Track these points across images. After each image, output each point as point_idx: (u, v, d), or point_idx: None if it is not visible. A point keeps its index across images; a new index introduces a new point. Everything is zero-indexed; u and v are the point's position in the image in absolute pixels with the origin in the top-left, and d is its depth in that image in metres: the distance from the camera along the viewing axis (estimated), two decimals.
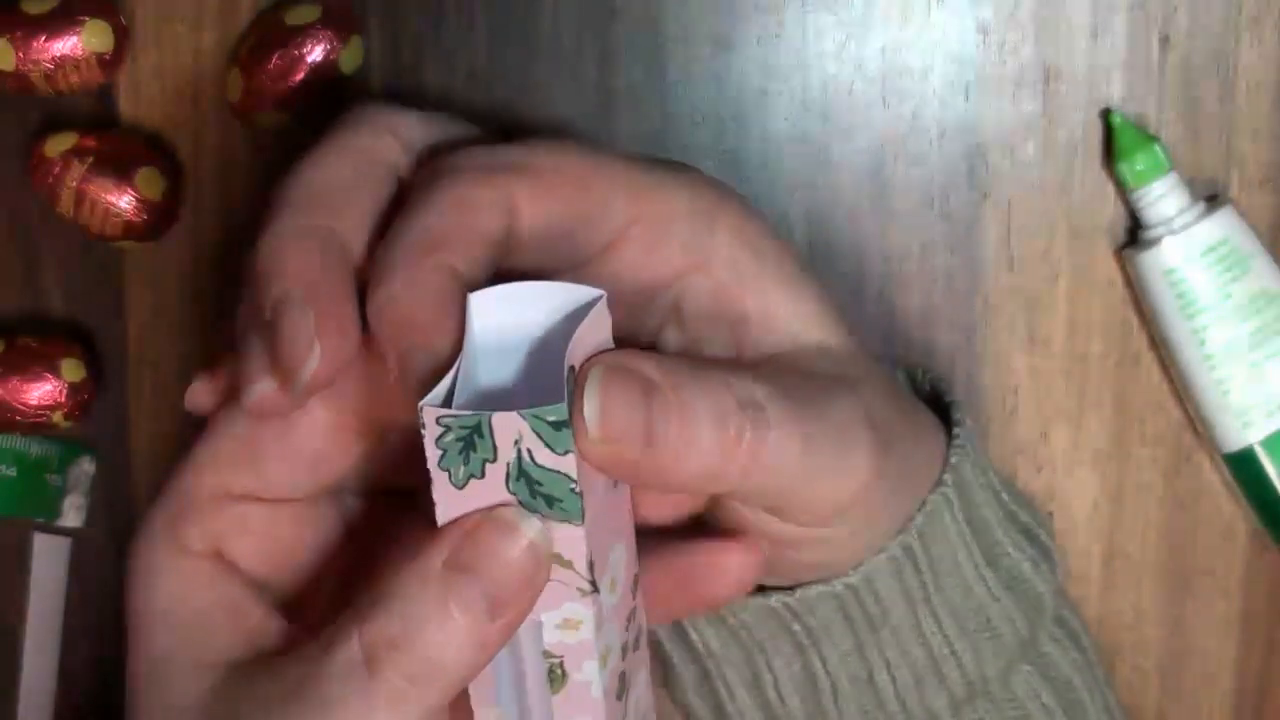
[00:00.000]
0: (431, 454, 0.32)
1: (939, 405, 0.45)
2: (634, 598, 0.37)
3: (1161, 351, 0.50)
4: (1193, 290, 0.48)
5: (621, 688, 0.36)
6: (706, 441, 0.35)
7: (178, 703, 0.37)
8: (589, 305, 0.34)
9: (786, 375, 0.39)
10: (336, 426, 0.38)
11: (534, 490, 0.33)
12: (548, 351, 0.34)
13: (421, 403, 0.32)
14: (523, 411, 0.32)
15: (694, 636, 0.43)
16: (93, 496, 0.52)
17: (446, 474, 0.33)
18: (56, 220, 0.50)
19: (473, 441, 0.32)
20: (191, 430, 0.41)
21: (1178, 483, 0.51)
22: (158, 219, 0.49)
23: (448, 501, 0.33)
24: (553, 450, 0.32)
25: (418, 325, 0.34)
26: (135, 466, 0.52)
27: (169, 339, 0.51)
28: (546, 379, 0.34)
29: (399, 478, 0.40)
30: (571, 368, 0.33)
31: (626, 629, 0.37)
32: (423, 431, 0.32)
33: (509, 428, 0.32)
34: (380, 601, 0.34)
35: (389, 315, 0.34)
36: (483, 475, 0.33)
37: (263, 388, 0.35)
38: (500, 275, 0.36)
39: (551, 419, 0.32)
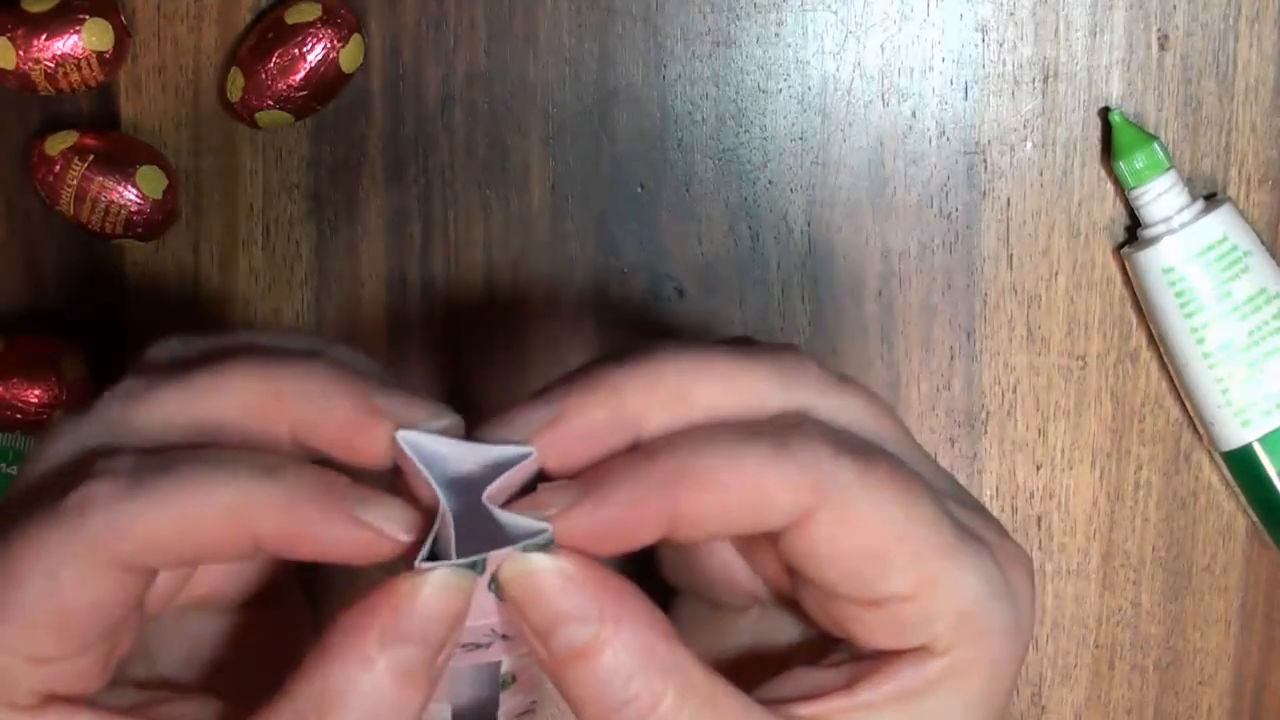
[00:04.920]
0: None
1: None
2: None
3: (1160, 350, 0.50)
4: (1191, 288, 0.49)
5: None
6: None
7: None
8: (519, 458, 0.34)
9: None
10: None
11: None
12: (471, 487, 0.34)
13: (418, 563, 0.32)
14: (517, 546, 0.32)
15: None
16: None
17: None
18: (57, 219, 0.50)
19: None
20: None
21: (1176, 481, 0.52)
22: (158, 218, 0.49)
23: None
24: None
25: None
26: None
27: None
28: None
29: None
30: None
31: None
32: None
33: (497, 559, 0.33)
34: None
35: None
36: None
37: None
38: None
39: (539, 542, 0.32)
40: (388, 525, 0.32)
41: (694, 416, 0.34)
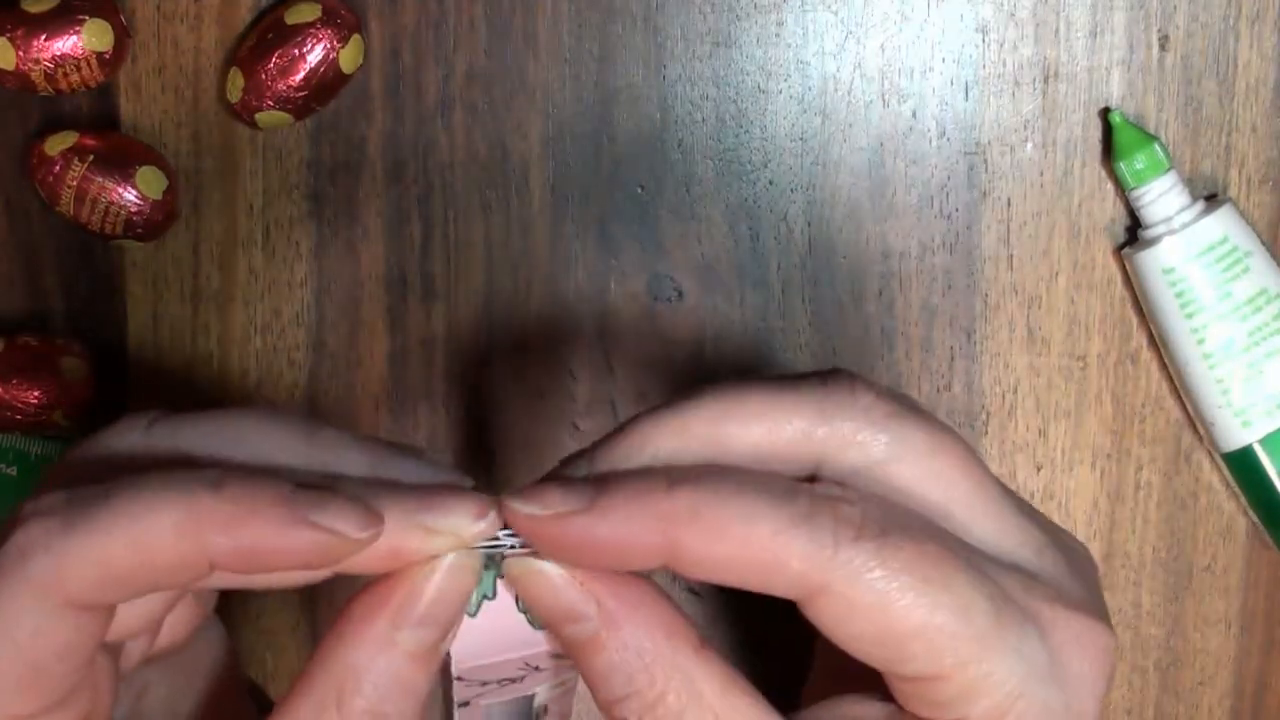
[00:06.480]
0: None
1: None
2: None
3: (1161, 350, 0.50)
4: (1192, 289, 0.49)
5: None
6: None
7: None
8: None
9: None
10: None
11: None
12: None
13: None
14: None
15: None
16: None
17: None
18: (57, 219, 0.50)
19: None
20: None
21: (1177, 481, 0.51)
22: (158, 218, 0.49)
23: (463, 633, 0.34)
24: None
25: None
26: None
27: (169, 339, 0.51)
28: None
29: None
30: None
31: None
32: None
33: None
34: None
35: None
36: (494, 596, 0.34)
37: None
38: None
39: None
40: (344, 525, 0.32)
41: (734, 459, 0.33)
